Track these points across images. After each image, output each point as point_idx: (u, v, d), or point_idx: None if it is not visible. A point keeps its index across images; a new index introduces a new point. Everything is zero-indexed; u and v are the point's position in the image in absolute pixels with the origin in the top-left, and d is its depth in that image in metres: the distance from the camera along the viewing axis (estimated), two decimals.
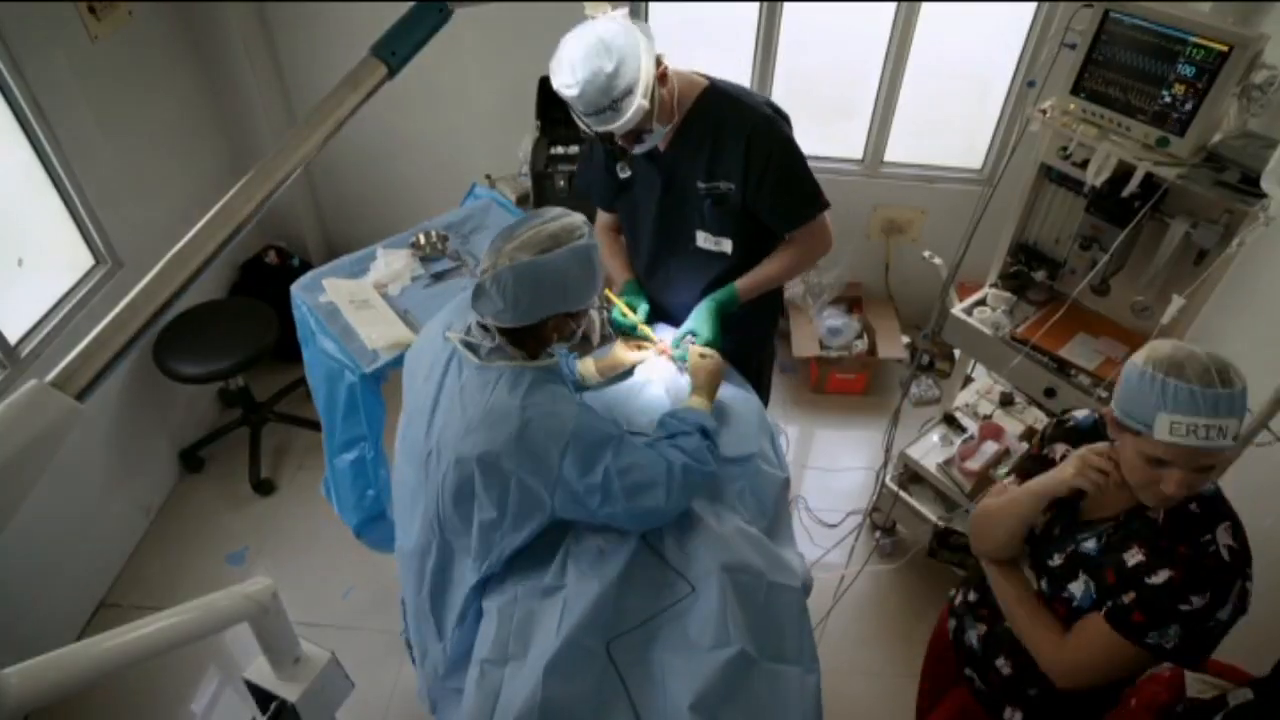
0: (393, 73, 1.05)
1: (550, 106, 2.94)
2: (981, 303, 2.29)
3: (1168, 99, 1.83)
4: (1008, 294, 2.27)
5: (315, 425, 2.39)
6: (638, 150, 1.75)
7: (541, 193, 2.82)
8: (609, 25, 1.59)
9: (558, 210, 1.46)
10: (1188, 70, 1.79)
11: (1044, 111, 2.03)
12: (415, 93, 3.04)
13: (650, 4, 3.06)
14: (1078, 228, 2.11)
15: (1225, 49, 1.72)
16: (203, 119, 3.20)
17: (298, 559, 2.81)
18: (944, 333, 2.34)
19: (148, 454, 2.92)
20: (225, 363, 2.79)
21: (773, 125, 1.79)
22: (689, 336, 1.90)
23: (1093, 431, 1.45)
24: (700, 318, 1.91)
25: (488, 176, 2.89)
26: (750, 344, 2.13)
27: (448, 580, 1.60)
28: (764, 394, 2.20)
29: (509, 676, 1.39)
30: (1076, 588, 1.35)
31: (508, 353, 1.45)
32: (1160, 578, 1.24)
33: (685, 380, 1.85)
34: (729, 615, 1.39)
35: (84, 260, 2.64)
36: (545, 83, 2.90)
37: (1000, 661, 1.52)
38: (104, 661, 1.00)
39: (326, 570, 2.74)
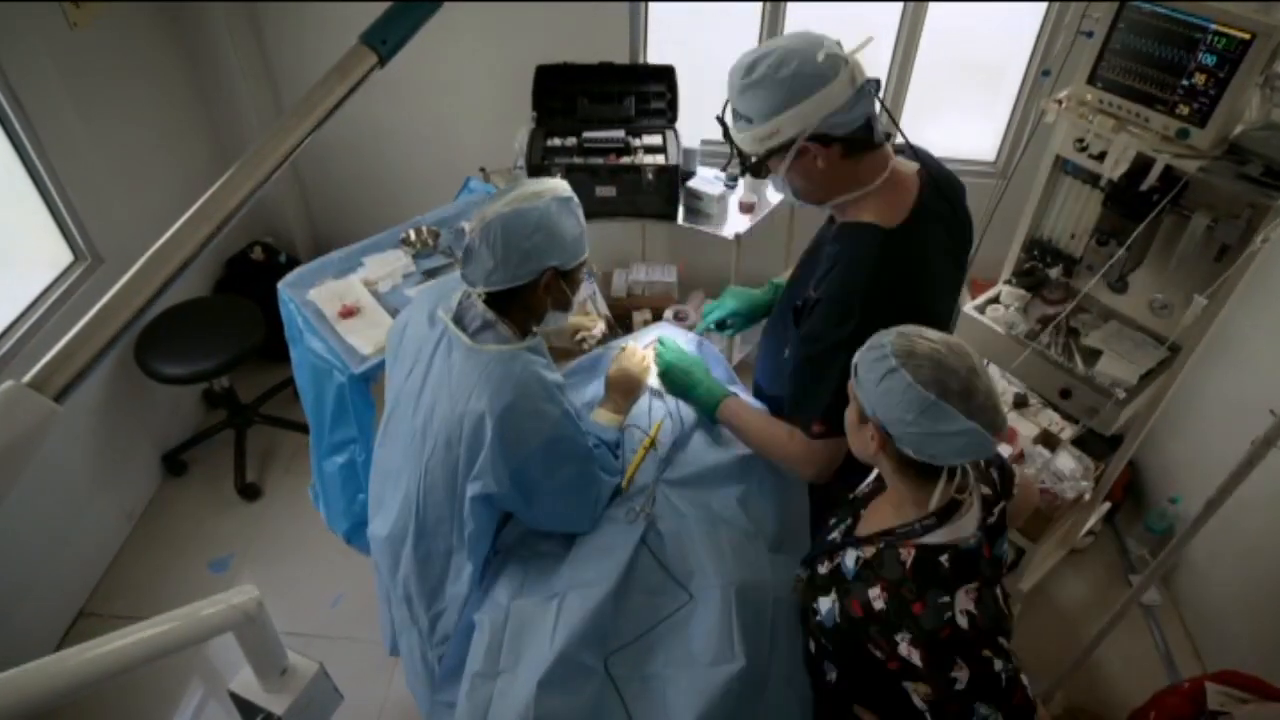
0: (383, 61, 1.02)
1: (547, 97, 2.86)
2: (995, 300, 2.25)
3: (1188, 89, 1.79)
4: (1022, 291, 2.23)
5: (303, 427, 2.34)
6: (765, 179, 1.48)
7: None
8: (812, 50, 1.31)
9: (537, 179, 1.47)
10: (1209, 59, 1.75)
11: (1060, 102, 1.99)
12: (407, 83, 2.99)
13: (650, 3, 3.00)
14: (1094, 222, 2.06)
15: (1248, 37, 1.68)
16: (187, 110, 3.13)
17: (285, 566, 2.75)
18: (956, 332, 2.28)
19: (129, 457, 2.85)
20: (210, 363, 2.72)
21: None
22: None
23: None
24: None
25: (482, 170, 2.82)
26: None
27: (427, 565, 1.56)
28: None
29: (500, 690, 1.35)
30: (824, 604, 1.26)
31: (498, 330, 1.43)
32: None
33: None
34: (732, 630, 1.35)
35: (63, 256, 2.58)
36: (542, 72, 2.83)
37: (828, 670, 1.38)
38: (83, 673, 0.97)
39: (315, 578, 2.68)
